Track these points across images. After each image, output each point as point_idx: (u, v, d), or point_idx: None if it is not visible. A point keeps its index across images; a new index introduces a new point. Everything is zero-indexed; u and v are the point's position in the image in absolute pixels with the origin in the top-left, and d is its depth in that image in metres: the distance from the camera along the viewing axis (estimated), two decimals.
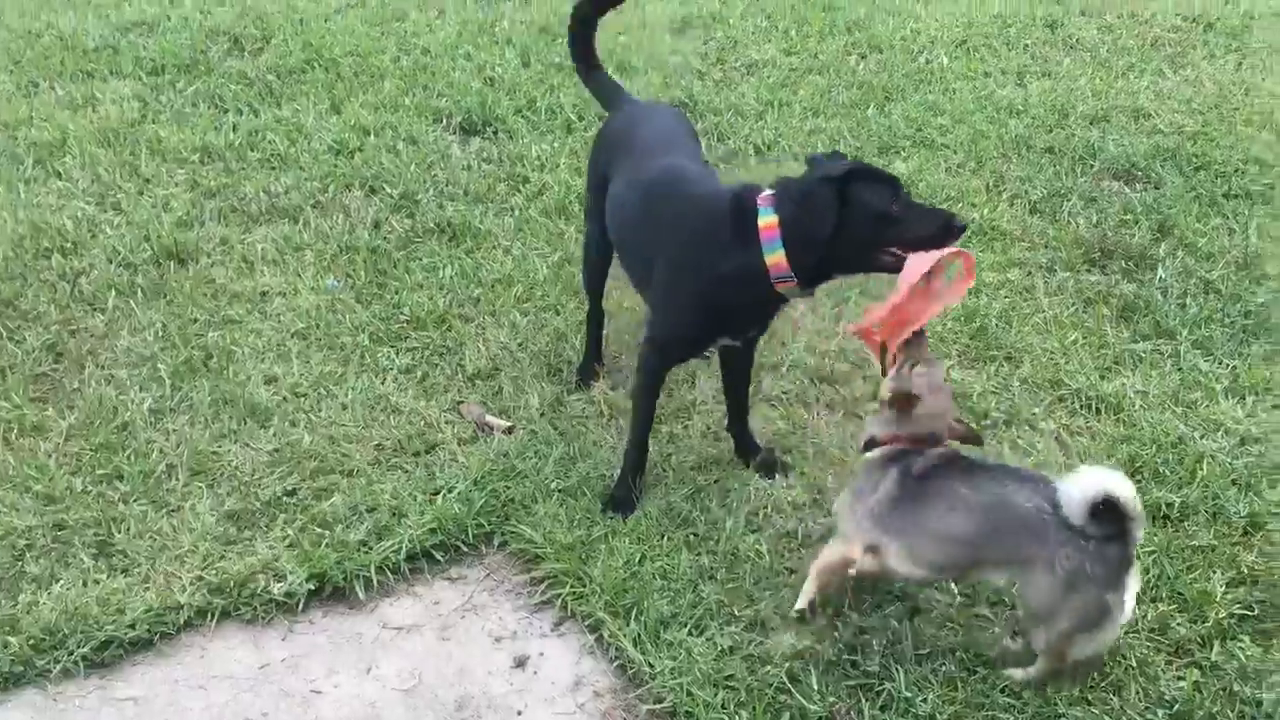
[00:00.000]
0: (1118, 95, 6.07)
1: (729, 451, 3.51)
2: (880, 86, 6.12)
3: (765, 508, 3.29)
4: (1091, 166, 5.29)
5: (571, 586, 3.01)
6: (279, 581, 3.01)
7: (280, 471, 3.38)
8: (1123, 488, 2.47)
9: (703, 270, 3.00)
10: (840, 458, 3.47)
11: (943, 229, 2.81)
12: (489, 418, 3.65)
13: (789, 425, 3.63)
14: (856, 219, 2.82)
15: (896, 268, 2.77)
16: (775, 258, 2.89)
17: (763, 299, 3.05)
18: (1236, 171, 5.23)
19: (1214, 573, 2.98)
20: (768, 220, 2.89)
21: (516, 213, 4.81)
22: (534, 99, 5.80)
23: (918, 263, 2.69)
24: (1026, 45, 6.77)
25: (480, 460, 3.43)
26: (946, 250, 2.73)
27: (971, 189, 5.04)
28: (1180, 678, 2.71)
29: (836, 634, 2.84)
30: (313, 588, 3.01)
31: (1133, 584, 2.55)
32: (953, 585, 2.96)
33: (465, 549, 3.19)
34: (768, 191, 2.96)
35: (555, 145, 5.35)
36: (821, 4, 7.36)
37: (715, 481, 3.40)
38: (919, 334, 2.79)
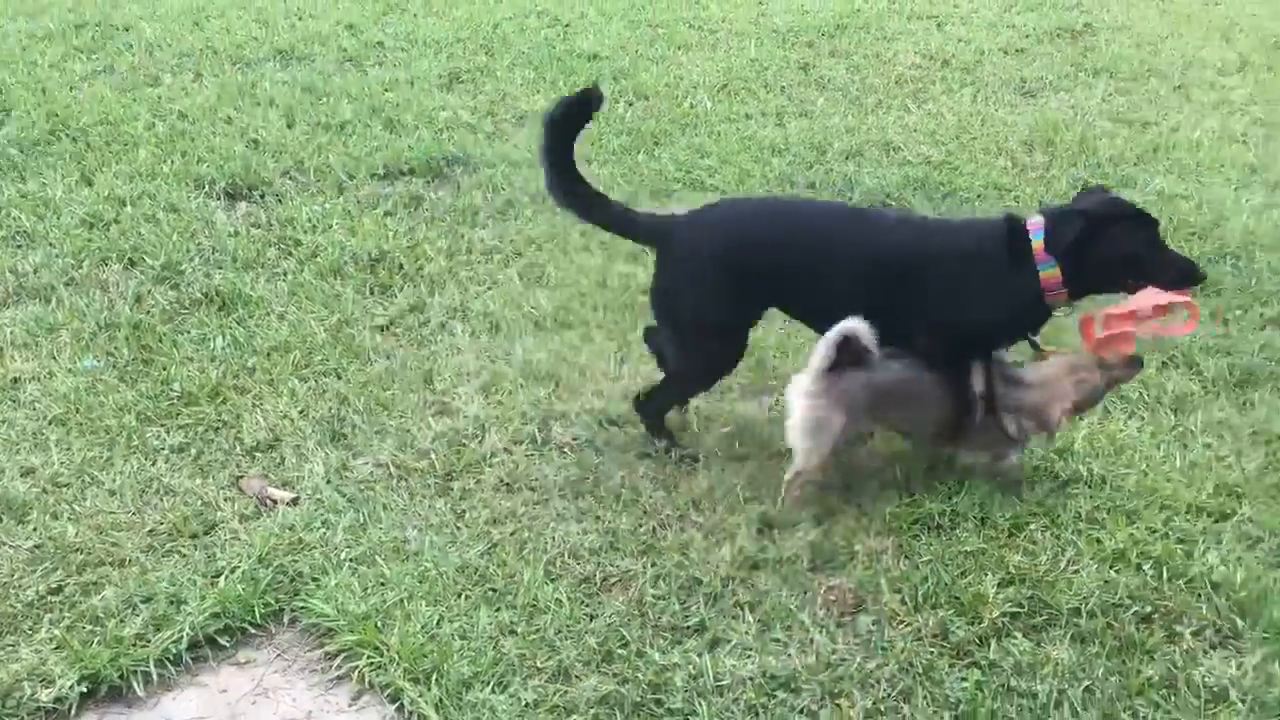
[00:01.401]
0: (869, 131, 6.43)
1: (524, 503, 3.49)
2: (649, 132, 6.28)
3: (563, 555, 3.29)
4: (850, 199, 5.56)
5: (368, 657, 2.92)
6: (47, 687, 2.79)
7: (43, 569, 3.15)
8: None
9: (990, 298, 3.36)
10: (632, 499, 3.50)
11: (1183, 275, 3.31)
12: (271, 490, 3.52)
13: (580, 471, 3.64)
14: (1104, 251, 3.30)
15: (1134, 291, 3.29)
16: (1049, 274, 3.32)
17: (1040, 313, 3.45)
18: (979, 196, 5.61)
19: (985, 575, 3.15)
20: (1039, 242, 3.33)
21: (289, 277, 4.68)
22: (301, 160, 5.68)
23: (1152, 296, 3.21)
24: (783, 87, 7.10)
25: (264, 536, 3.29)
26: (1177, 297, 3.22)
27: None
28: (963, 679, 2.84)
29: (639, 674, 2.85)
30: (85, 689, 2.81)
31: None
32: (749, 616, 3.04)
33: (253, 630, 3.05)
34: (1036, 218, 3.39)
35: (326, 206, 5.24)
36: (586, 54, 7.52)
37: (511, 534, 3.37)
38: (1137, 361, 3.45)
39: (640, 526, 3.40)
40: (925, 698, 2.79)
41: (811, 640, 2.94)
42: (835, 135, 6.34)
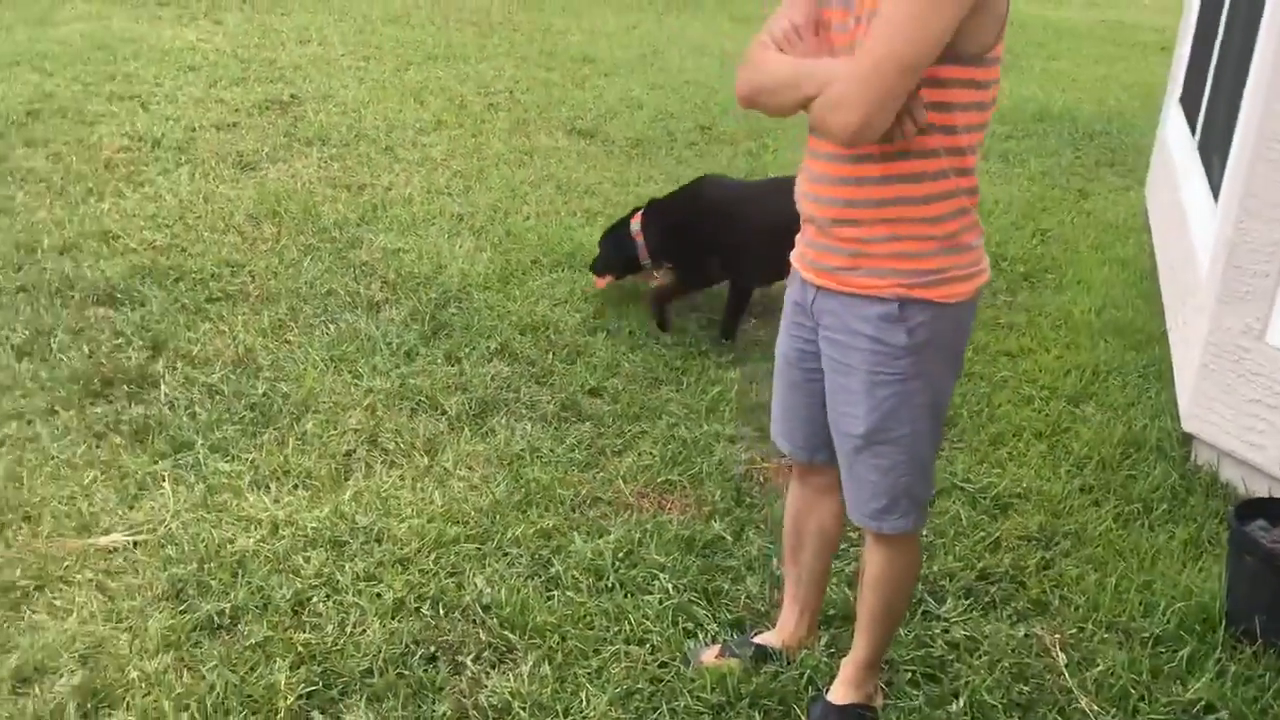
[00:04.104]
0: (83, 221, 6.01)
1: None
2: None
3: None
4: (72, 298, 5.15)
5: None
6: None
7: None
8: None
9: None
10: None
11: None
12: None
13: None
14: None
15: None
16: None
17: None
18: (213, 276, 5.50)
19: (274, 663, 3.08)
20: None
21: None
22: None
23: None
24: None
25: None
26: None
27: None
28: None
29: None
30: None
31: None
32: None
33: None
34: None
35: None
36: None
37: None
38: None
39: None
40: None
41: None
42: (44, 230, 5.82)
